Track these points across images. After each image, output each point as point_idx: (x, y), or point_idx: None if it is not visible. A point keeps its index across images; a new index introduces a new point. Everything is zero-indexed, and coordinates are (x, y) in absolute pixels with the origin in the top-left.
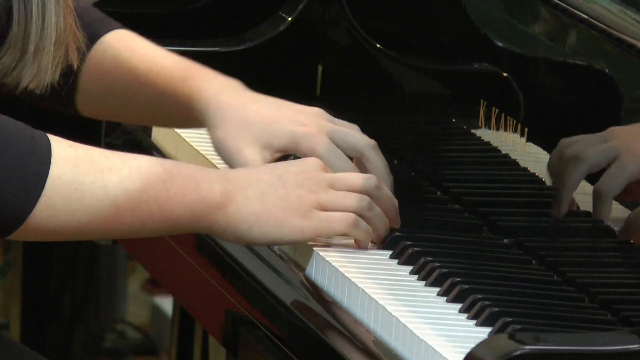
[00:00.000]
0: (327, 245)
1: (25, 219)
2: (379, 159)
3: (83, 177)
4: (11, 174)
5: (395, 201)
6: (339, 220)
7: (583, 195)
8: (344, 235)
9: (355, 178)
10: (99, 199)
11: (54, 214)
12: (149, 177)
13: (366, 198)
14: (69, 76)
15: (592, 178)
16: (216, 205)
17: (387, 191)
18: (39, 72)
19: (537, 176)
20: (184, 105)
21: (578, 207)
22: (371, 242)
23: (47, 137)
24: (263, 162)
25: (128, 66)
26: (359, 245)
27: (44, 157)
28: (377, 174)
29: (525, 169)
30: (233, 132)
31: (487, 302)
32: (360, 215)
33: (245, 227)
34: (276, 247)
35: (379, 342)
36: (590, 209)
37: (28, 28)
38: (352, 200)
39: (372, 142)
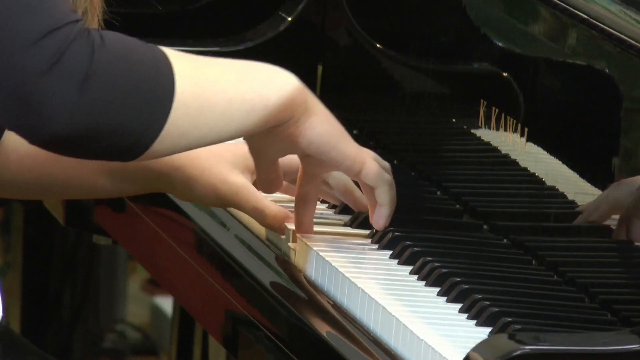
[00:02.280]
0: (327, 245)
1: (153, 142)
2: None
3: (204, 89)
4: (139, 98)
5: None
6: (385, 170)
7: (583, 195)
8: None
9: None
10: (217, 110)
11: (181, 130)
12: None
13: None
14: None
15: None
16: (300, 90)
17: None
18: None
19: (537, 176)
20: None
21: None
22: (370, 239)
23: (165, 55)
24: (250, 184)
25: None
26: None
27: (169, 77)
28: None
29: (525, 169)
30: (207, 165)
31: (487, 302)
32: None
33: (319, 124)
34: (274, 246)
35: (379, 342)
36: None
37: None
38: (385, 162)
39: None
